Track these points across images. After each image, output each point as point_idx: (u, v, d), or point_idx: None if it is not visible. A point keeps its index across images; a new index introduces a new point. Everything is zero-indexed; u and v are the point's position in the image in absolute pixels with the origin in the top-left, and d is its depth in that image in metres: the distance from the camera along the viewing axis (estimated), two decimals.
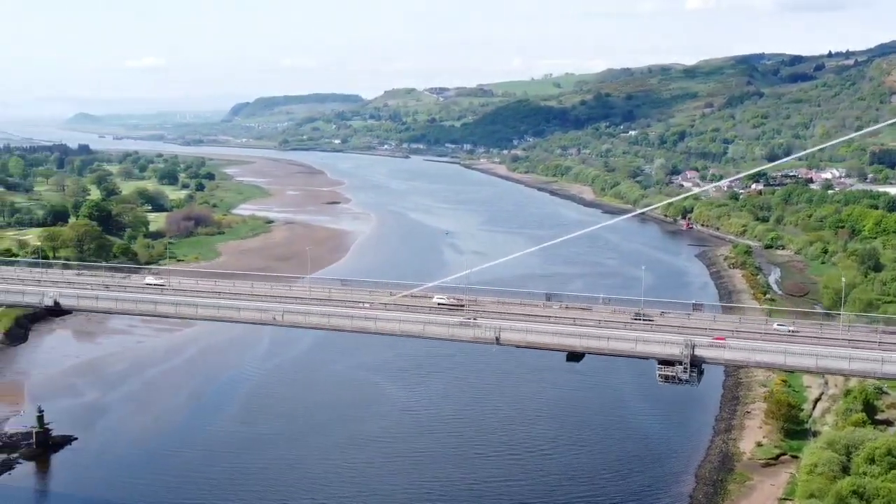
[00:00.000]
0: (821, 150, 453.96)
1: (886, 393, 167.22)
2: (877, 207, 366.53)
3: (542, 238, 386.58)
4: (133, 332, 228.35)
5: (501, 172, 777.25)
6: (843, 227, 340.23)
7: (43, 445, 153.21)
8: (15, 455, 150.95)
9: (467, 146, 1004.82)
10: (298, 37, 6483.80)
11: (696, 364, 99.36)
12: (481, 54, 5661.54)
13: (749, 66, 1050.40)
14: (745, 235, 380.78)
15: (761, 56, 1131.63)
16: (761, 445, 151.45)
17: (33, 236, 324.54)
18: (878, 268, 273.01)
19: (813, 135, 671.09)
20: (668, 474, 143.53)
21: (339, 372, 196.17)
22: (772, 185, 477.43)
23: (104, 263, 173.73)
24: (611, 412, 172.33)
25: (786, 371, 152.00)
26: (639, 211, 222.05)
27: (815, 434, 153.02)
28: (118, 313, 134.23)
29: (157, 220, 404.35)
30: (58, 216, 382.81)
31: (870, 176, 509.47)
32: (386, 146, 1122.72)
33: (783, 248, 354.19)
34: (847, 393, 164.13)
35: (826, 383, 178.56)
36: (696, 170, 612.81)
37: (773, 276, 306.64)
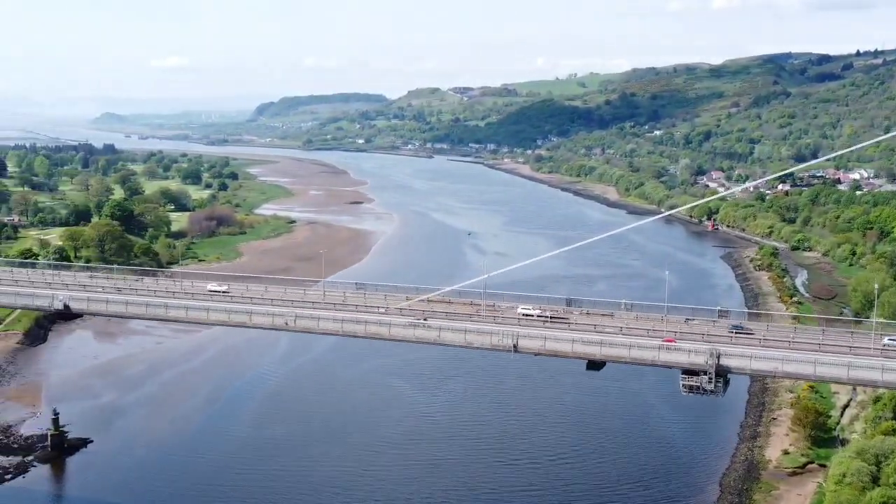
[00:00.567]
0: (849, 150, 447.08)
1: None
2: None
3: (565, 239, 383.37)
4: (152, 333, 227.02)
5: (525, 172, 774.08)
6: (871, 228, 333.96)
7: (58, 448, 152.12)
8: (30, 458, 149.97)
9: (491, 146, 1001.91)
10: (323, 37, 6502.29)
11: (722, 374, 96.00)
12: (506, 54, 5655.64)
13: (776, 65, 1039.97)
14: (772, 237, 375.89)
15: (788, 55, 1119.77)
16: (788, 454, 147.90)
17: (55, 236, 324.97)
18: None
19: (841, 135, 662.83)
20: (691, 483, 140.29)
21: (358, 375, 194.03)
22: (799, 186, 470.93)
23: (115, 266, 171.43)
24: (633, 418, 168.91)
25: (815, 382, 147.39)
26: (666, 213, 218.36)
27: (844, 442, 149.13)
28: (129, 317, 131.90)
29: (179, 220, 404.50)
30: (80, 216, 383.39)
31: None
32: (410, 146, 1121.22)
33: (810, 250, 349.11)
34: (876, 400, 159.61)
35: (854, 389, 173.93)
36: (722, 170, 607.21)
37: (801, 279, 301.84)
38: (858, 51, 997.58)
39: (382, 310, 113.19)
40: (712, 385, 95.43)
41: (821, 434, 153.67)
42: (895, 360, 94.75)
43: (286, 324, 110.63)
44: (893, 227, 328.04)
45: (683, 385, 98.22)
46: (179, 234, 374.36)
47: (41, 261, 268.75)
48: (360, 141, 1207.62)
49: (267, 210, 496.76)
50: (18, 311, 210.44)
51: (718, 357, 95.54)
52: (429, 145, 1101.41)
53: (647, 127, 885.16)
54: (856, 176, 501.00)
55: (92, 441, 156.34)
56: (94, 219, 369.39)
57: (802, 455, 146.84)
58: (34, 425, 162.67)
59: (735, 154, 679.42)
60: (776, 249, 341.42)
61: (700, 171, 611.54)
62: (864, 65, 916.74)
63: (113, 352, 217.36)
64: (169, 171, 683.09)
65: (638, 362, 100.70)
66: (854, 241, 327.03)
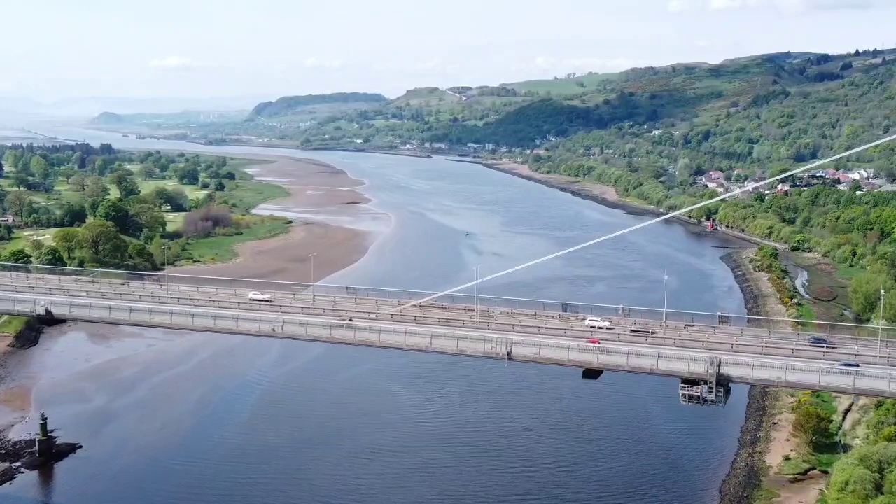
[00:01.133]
0: (848, 149, 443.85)
1: None
2: None
3: (563, 240, 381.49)
4: (145, 336, 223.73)
5: (524, 172, 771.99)
6: (871, 229, 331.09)
7: (46, 454, 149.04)
8: (17, 464, 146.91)
9: (490, 146, 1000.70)
10: (323, 37, 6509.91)
11: (723, 383, 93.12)
12: (505, 54, 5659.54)
13: (775, 65, 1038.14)
14: (771, 237, 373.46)
15: (787, 55, 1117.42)
16: (789, 459, 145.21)
17: (49, 236, 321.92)
18: None
19: (840, 134, 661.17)
20: (691, 490, 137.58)
21: (352, 378, 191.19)
22: (798, 186, 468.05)
23: (99, 270, 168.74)
24: (631, 423, 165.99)
25: (820, 392, 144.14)
26: (669, 214, 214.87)
27: (846, 448, 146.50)
28: (112, 323, 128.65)
29: (175, 220, 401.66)
30: (75, 216, 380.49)
31: None
32: (408, 146, 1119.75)
33: (810, 251, 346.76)
34: (879, 405, 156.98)
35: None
36: (721, 170, 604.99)
37: (801, 280, 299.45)
38: (858, 50, 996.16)
39: (373, 315, 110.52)
40: (713, 395, 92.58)
41: (822, 439, 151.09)
42: None
43: (273, 330, 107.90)
44: (894, 228, 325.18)
45: (683, 395, 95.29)
46: (175, 235, 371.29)
47: (34, 262, 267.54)
48: (359, 141, 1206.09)
49: (264, 210, 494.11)
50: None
51: (719, 366, 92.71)
52: (427, 145, 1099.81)
53: (645, 127, 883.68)
54: (855, 176, 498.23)
55: (81, 446, 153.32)
56: (89, 219, 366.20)
57: (804, 461, 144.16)
58: (23, 430, 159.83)
59: (734, 154, 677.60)
60: (776, 250, 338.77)
61: (699, 171, 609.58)
62: (863, 64, 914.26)
63: (105, 354, 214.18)
64: (166, 171, 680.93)
65: (636, 371, 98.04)
66: (854, 242, 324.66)
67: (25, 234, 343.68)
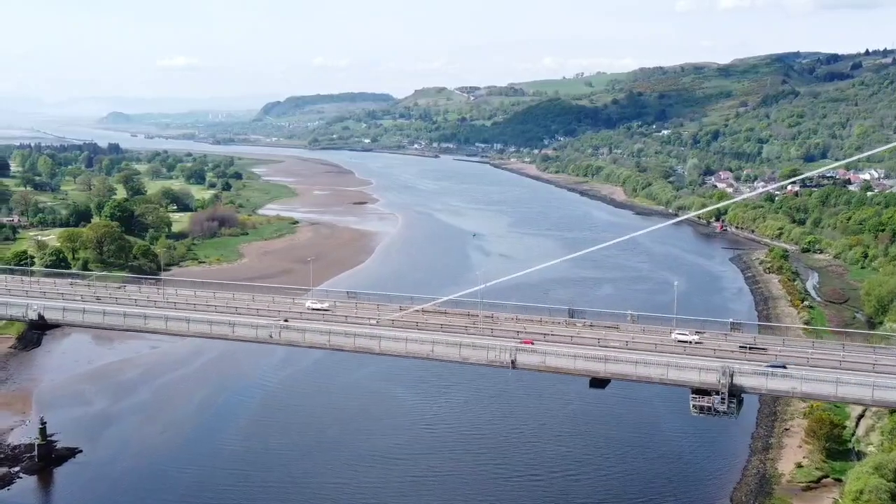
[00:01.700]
0: (859, 150, 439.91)
1: None
2: None
3: (571, 241, 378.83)
4: (148, 337, 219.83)
5: (532, 172, 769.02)
6: (883, 230, 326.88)
7: (45, 459, 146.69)
8: (16, 469, 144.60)
9: (498, 146, 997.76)
10: (331, 36, 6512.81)
11: (735, 394, 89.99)
12: (513, 54, 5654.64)
13: (784, 64, 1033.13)
14: (782, 238, 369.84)
15: (797, 55, 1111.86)
16: (801, 467, 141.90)
17: (54, 237, 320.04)
18: None
19: (850, 134, 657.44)
20: (701, 498, 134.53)
21: (356, 381, 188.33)
22: (808, 187, 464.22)
23: (94, 273, 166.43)
24: (639, 428, 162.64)
25: (837, 403, 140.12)
26: (681, 217, 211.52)
27: (860, 455, 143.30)
28: (106, 328, 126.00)
29: (181, 221, 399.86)
30: (81, 216, 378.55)
31: None
32: (416, 145, 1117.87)
33: (821, 252, 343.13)
34: (893, 411, 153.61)
35: None
36: (731, 170, 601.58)
37: (812, 282, 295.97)
38: (867, 50, 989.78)
39: (373, 321, 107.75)
40: (725, 406, 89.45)
41: (835, 446, 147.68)
42: None
43: (270, 336, 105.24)
44: None
45: (694, 406, 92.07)
46: (181, 235, 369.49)
47: (37, 263, 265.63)
48: (367, 140, 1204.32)
49: (270, 210, 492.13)
50: None
51: (732, 375, 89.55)
52: (435, 145, 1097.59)
53: (654, 126, 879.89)
54: (866, 176, 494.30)
55: (81, 451, 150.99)
56: (95, 219, 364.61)
57: (817, 469, 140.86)
58: (23, 434, 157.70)
59: (744, 154, 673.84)
60: (786, 251, 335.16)
61: (708, 171, 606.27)
62: (873, 64, 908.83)
63: (107, 356, 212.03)
64: (173, 171, 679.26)
65: (645, 380, 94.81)
66: (866, 244, 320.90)
67: (31, 234, 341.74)
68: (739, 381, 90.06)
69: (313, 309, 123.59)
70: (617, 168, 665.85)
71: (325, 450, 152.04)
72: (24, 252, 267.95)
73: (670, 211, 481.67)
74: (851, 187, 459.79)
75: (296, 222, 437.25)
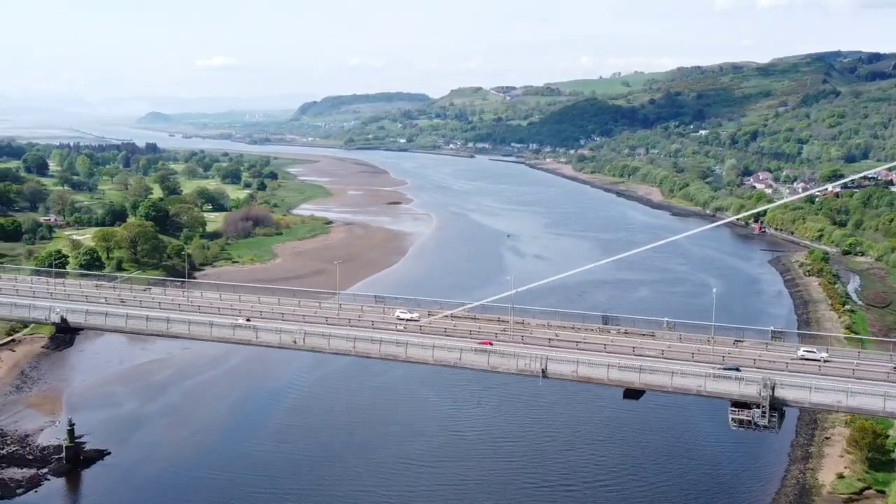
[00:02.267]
0: None
1: None
2: None
3: (607, 242, 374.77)
4: None
5: (567, 173, 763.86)
6: None
7: (73, 461, 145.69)
8: (44, 471, 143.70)
9: (533, 146, 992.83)
10: (368, 36, 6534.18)
11: (777, 407, 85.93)
12: (549, 53, 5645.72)
13: (825, 63, 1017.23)
14: (822, 240, 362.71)
15: (838, 54, 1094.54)
16: (843, 478, 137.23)
17: (89, 236, 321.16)
18: None
19: (893, 135, 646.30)
20: None
21: (386, 384, 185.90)
22: (850, 188, 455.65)
23: (121, 275, 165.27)
24: (675, 435, 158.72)
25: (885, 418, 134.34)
26: (723, 220, 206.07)
27: None
28: (129, 332, 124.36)
29: (216, 221, 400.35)
30: (116, 216, 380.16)
31: None
32: (451, 145, 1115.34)
33: (862, 255, 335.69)
34: None
35: None
36: (770, 171, 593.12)
37: (853, 285, 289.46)
38: None
39: (401, 327, 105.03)
40: (766, 420, 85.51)
41: (878, 456, 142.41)
42: None
43: (294, 342, 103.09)
44: None
45: (733, 419, 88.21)
46: (215, 235, 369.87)
47: (71, 263, 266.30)
48: (402, 140, 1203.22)
49: (304, 210, 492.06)
50: None
51: (773, 388, 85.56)
52: (470, 145, 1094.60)
53: (692, 126, 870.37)
54: None
55: (109, 453, 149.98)
56: (130, 219, 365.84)
57: (859, 479, 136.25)
58: (52, 435, 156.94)
59: (783, 154, 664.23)
60: (826, 254, 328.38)
61: (747, 172, 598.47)
62: None
63: (139, 357, 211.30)
64: (209, 171, 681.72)
65: (681, 392, 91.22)
66: None
67: (66, 233, 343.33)
68: (781, 393, 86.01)
69: (403, 319, 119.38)
70: (654, 168, 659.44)
71: (354, 454, 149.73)
72: (59, 251, 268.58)
73: (708, 212, 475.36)
74: (894, 188, 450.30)
75: (330, 222, 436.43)
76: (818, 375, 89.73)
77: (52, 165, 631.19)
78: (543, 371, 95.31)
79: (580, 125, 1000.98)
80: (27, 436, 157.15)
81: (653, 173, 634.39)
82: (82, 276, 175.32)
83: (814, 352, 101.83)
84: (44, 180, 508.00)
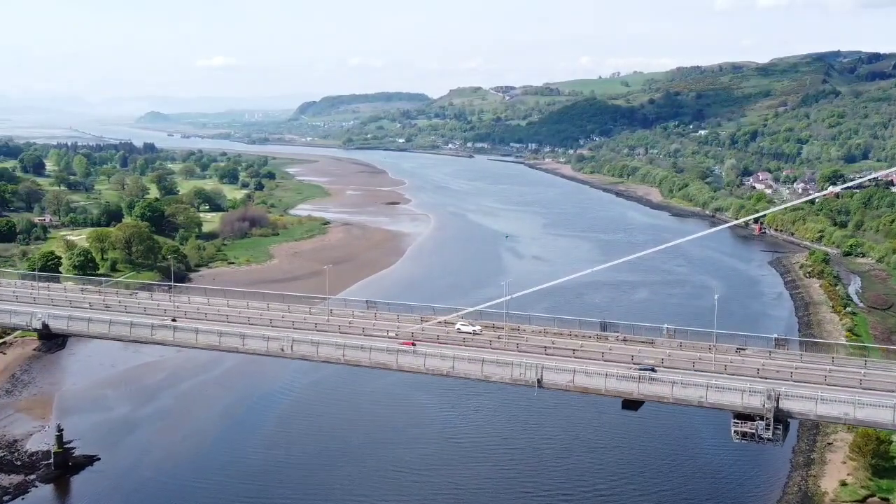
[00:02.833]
0: None
1: None
2: None
3: (606, 242, 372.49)
4: None
5: (567, 173, 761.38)
6: None
7: (62, 467, 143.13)
8: (32, 477, 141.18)
9: (532, 146, 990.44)
10: (368, 36, 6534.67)
11: (781, 419, 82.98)
12: (549, 53, 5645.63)
13: (825, 63, 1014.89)
14: (822, 241, 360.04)
15: (837, 54, 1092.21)
16: (846, 485, 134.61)
17: (84, 237, 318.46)
18: None
19: (893, 135, 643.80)
20: None
21: (382, 388, 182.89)
22: (850, 189, 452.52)
23: (104, 279, 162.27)
24: (675, 441, 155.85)
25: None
26: (726, 225, 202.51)
27: None
28: (113, 339, 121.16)
29: (212, 221, 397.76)
30: (112, 216, 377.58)
31: None
32: (451, 145, 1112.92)
33: (863, 256, 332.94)
34: None
35: None
36: (769, 171, 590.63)
37: (854, 287, 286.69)
38: None
39: (392, 335, 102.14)
40: (770, 432, 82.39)
41: (882, 463, 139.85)
42: None
43: (282, 349, 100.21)
44: None
45: (736, 432, 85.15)
46: (211, 236, 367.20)
47: (65, 264, 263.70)
48: (401, 140, 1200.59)
49: (302, 210, 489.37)
50: None
51: (778, 399, 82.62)
52: (469, 145, 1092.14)
53: (691, 126, 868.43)
54: None
55: (99, 459, 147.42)
56: (126, 219, 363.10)
57: (862, 487, 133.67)
58: (41, 440, 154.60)
59: (783, 154, 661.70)
60: (827, 255, 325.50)
61: (746, 172, 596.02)
62: None
63: (132, 360, 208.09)
64: (207, 171, 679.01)
65: (682, 403, 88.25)
66: None
67: (61, 234, 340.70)
68: (786, 405, 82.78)
69: (463, 332, 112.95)
70: (653, 168, 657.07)
71: (347, 461, 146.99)
72: (52, 252, 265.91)
73: (707, 212, 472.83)
74: (895, 189, 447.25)
75: (327, 223, 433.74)
76: (824, 386, 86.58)
77: (49, 165, 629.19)
78: (539, 381, 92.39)
79: (579, 125, 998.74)
80: (16, 441, 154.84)
81: (652, 173, 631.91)
82: (67, 279, 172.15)
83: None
84: (40, 180, 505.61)
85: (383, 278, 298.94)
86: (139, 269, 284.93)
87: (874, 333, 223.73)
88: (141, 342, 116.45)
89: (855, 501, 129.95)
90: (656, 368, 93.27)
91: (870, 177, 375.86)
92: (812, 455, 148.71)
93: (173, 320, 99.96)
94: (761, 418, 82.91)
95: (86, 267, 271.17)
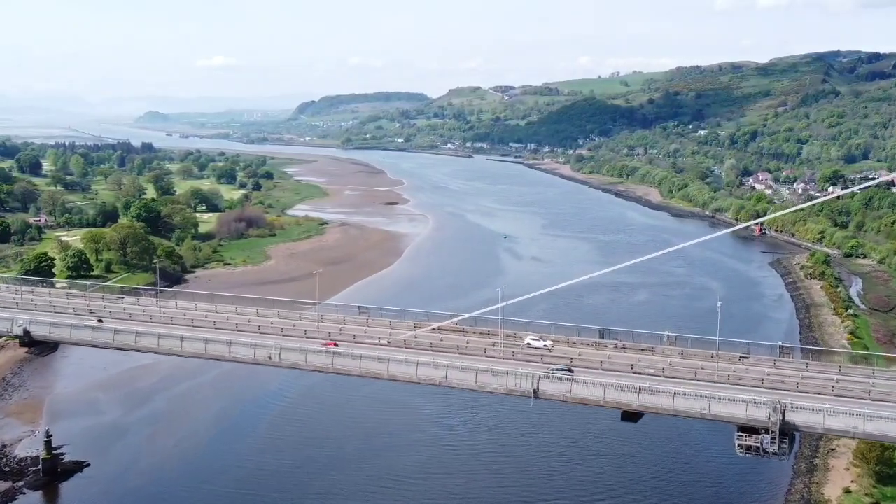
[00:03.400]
0: None
1: None
2: None
3: (605, 243, 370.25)
4: None
5: (566, 173, 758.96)
6: None
7: (50, 473, 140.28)
8: (20, 484, 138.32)
9: (532, 145, 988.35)
10: (367, 36, 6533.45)
11: (787, 432, 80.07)
12: (549, 53, 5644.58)
13: (825, 63, 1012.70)
14: (823, 242, 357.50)
15: (837, 53, 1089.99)
16: (850, 492, 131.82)
17: (79, 237, 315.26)
18: None
19: (893, 135, 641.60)
20: None
21: (378, 392, 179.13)
22: (851, 189, 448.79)
23: (90, 284, 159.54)
24: (675, 448, 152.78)
25: None
26: (740, 226, 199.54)
27: None
28: (96, 346, 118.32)
29: (209, 221, 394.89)
30: (108, 216, 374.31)
31: None
32: (450, 145, 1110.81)
33: (864, 257, 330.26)
34: None
35: None
36: (769, 171, 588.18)
37: (855, 288, 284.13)
38: None
39: (384, 342, 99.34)
40: (776, 446, 79.52)
41: (886, 469, 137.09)
42: None
43: (269, 358, 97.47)
44: None
45: (740, 445, 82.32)
46: (208, 236, 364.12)
47: (58, 266, 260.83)
48: (400, 140, 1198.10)
49: (300, 211, 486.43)
50: None
51: (784, 411, 79.61)
52: (468, 145, 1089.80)
53: (691, 126, 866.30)
54: None
55: (89, 465, 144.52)
56: (122, 219, 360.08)
57: (867, 495, 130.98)
58: (30, 445, 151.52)
59: (782, 154, 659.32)
60: (828, 256, 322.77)
61: (746, 172, 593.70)
62: None
63: (125, 362, 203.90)
64: (204, 171, 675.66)
65: (683, 414, 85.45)
66: None
67: (56, 234, 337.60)
68: (792, 417, 79.80)
69: (533, 347, 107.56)
70: (653, 169, 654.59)
71: (341, 467, 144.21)
72: (45, 254, 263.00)
73: (707, 213, 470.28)
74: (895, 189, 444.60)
75: (325, 223, 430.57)
76: (831, 397, 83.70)
77: (47, 165, 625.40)
78: (535, 391, 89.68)
79: (579, 125, 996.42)
80: (4, 447, 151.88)
81: (651, 173, 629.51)
82: (52, 283, 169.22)
83: None
84: (36, 180, 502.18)
85: (381, 279, 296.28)
86: (134, 271, 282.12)
87: (876, 336, 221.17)
88: (125, 349, 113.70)
89: None
90: (573, 369, 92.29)
91: (878, 180, 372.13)
92: (815, 461, 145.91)
93: (99, 321, 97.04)
94: (767, 431, 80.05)
95: (80, 268, 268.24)
